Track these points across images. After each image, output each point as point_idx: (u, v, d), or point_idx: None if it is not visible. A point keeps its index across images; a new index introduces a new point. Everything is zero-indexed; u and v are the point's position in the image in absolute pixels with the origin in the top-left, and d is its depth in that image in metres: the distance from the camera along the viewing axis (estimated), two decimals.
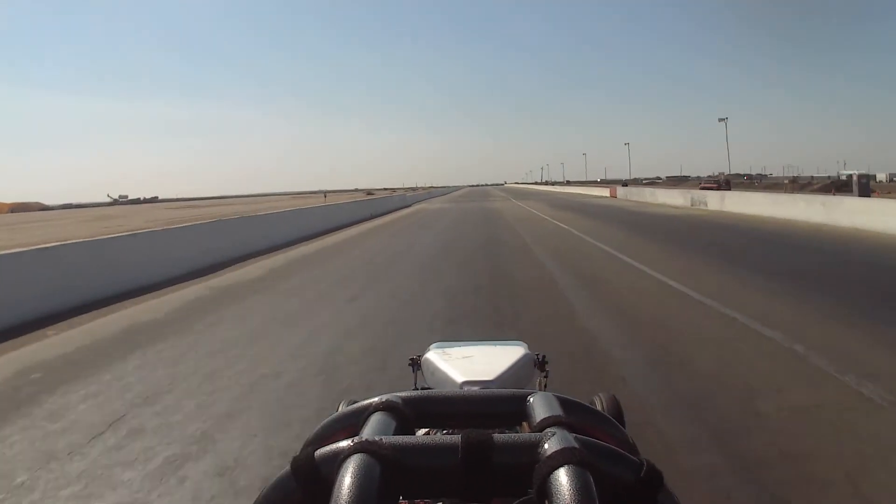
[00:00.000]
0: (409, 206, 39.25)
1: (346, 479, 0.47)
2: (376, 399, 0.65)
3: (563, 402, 0.64)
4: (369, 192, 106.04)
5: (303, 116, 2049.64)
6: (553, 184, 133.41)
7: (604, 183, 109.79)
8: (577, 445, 0.51)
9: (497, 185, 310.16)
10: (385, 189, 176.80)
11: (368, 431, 0.58)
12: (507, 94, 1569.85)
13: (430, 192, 71.48)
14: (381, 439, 0.53)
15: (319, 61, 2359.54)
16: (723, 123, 53.75)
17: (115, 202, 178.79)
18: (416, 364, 1.42)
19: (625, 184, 44.89)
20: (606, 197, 40.16)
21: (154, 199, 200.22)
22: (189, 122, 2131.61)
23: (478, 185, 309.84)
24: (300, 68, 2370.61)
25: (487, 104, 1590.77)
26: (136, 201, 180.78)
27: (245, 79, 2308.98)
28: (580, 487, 0.46)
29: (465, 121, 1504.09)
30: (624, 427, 0.72)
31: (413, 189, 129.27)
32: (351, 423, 0.63)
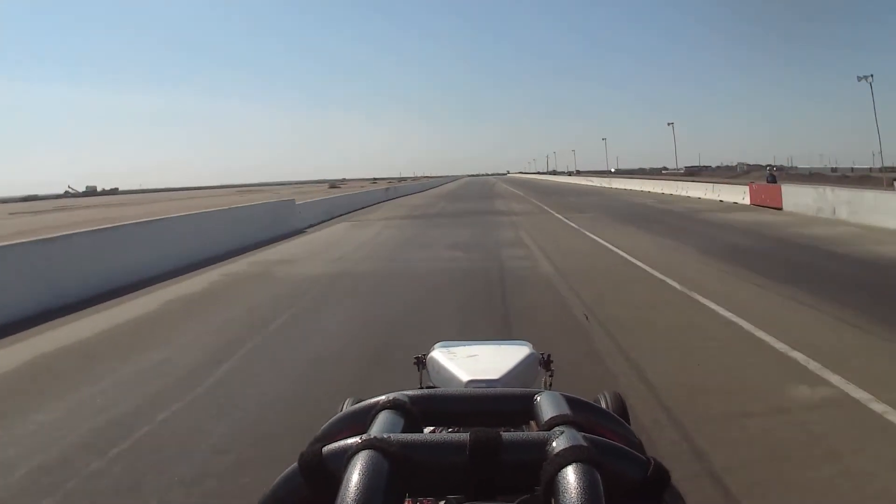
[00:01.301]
0: (330, 220, 17.77)
1: (354, 476, 0.47)
2: (383, 397, 0.64)
3: (570, 401, 0.64)
4: (333, 185, 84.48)
5: (301, 106, 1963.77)
6: (569, 174, 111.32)
7: (619, 173, 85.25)
8: (585, 444, 0.51)
9: (499, 175, 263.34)
10: (376, 179, 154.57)
11: (376, 429, 0.58)
12: (507, 84, 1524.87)
13: (397, 190, 41.12)
14: (389, 436, 0.53)
15: (316, 50, 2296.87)
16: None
17: (66, 194, 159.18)
18: (421, 363, 1.41)
19: (772, 176, 21.01)
20: (742, 206, 18.77)
21: (114, 191, 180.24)
22: (174, 113, 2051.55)
23: (478, 175, 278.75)
24: (297, 58, 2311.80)
25: (486, 93, 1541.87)
26: (91, 192, 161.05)
27: (240, 70, 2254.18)
28: (588, 485, 0.46)
29: (464, 110, 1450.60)
30: (630, 426, 0.72)
31: (400, 180, 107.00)
32: (358, 421, 0.62)
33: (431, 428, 0.77)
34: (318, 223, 18.20)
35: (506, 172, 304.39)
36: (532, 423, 0.64)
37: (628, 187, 35.78)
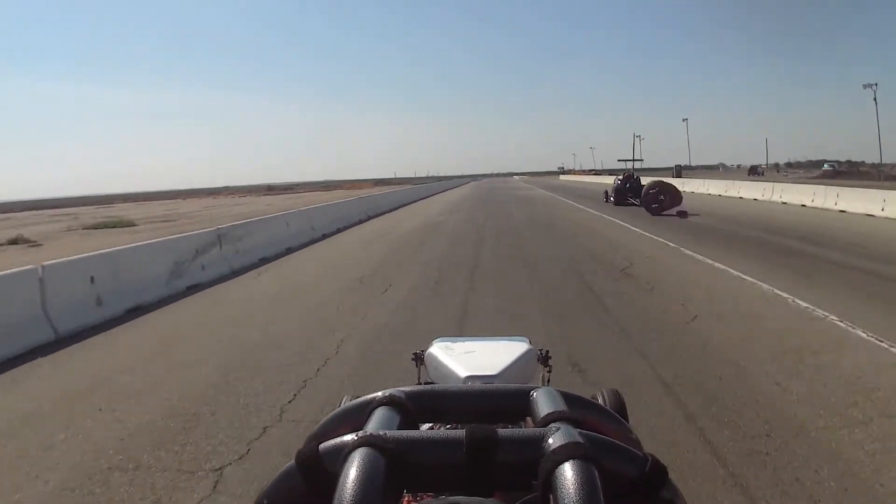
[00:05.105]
0: None
1: (351, 473, 0.47)
2: (380, 394, 0.64)
3: (567, 398, 0.64)
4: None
5: (309, 105, 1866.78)
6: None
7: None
8: (581, 440, 0.51)
9: (547, 173, 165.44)
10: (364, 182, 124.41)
11: (373, 426, 0.57)
12: (524, 80, 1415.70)
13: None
14: (386, 433, 0.53)
15: (327, 48, 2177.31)
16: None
17: None
18: (419, 359, 1.43)
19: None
20: None
21: None
22: (165, 115, 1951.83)
23: (495, 175, 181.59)
24: (304, 56, 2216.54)
25: (506, 87, 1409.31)
26: None
27: (246, 68, 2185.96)
28: (585, 482, 0.46)
29: (473, 108, 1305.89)
30: (627, 422, 0.73)
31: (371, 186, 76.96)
32: (355, 418, 0.62)
33: (429, 425, 0.76)
34: None
35: (559, 169, 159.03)
36: (529, 419, 0.65)
37: None
